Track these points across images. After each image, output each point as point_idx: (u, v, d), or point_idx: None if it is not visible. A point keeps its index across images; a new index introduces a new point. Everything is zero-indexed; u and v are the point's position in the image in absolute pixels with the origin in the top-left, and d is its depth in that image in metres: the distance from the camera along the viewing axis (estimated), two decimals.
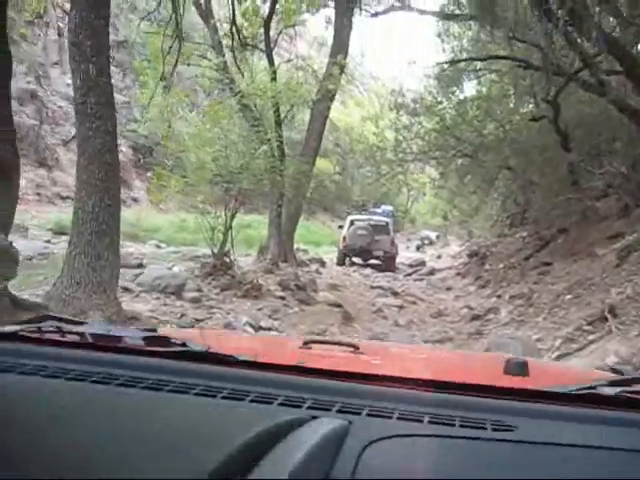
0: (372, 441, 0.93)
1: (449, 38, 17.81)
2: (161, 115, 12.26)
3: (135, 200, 26.56)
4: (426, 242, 34.48)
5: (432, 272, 19.05)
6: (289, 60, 14.90)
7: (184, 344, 1.35)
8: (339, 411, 1.05)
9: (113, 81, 7.30)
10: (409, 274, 18.80)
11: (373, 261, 20.26)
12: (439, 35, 17.74)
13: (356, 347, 1.69)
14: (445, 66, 16.84)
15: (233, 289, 9.60)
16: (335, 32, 14.79)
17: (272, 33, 14.43)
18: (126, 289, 8.55)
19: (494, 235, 21.75)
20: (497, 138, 16.27)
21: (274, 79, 11.90)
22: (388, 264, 19.78)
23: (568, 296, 9.81)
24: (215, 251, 10.28)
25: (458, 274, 17.89)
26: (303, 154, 14.08)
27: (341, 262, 19.94)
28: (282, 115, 12.78)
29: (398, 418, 1.04)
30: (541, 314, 9.74)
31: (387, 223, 20.95)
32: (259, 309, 9.15)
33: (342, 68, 13.20)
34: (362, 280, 15.96)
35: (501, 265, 15.32)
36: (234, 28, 13.85)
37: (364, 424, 1.00)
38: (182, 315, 7.85)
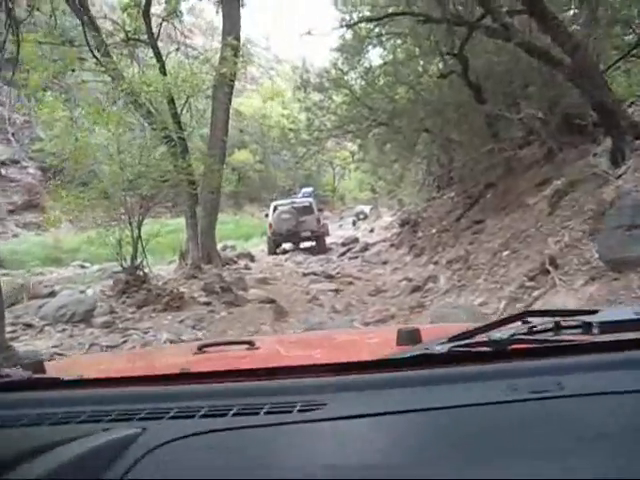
0: (160, 444, 0.93)
1: (347, 8, 17.12)
2: (67, 130, 11.19)
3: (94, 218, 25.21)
4: (361, 217, 34.26)
5: (366, 248, 18.61)
6: (177, 49, 13.87)
7: (7, 375, 1.32)
8: (172, 417, 1.04)
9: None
10: (343, 253, 18.32)
11: (305, 244, 20.58)
12: (335, 4, 17.06)
13: (251, 344, 1.75)
14: (347, 37, 16.30)
15: (151, 304, 8.76)
16: (224, 14, 13.84)
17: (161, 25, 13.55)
18: (28, 325, 7.70)
19: (423, 200, 21.36)
20: (409, 101, 15.79)
21: (163, 72, 11.01)
22: (319, 243, 20.29)
23: (505, 252, 9.44)
24: (125, 266, 9.40)
25: (392, 245, 17.47)
26: (210, 147, 13.23)
27: (272, 250, 20.13)
28: (181, 109, 11.91)
29: (202, 416, 1.03)
30: (481, 276, 9.36)
31: (310, 203, 21.16)
32: (181, 321, 8.34)
33: (235, 50, 12.34)
34: (294, 268, 15.33)
35: (433, 230, 14.95)
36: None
37: (162, 428, 1.00)
38: (92, 345, 7.00)
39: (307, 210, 20.59)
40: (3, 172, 26.25)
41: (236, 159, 38.71)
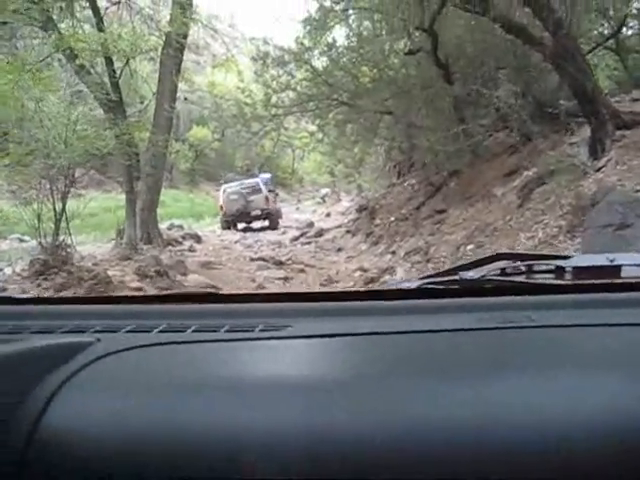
0: (112, 352, 0.91)
1: None
2: (11, 94, 9.96)
3: (13, 192, 24.00)
4: (327, 199, 33.62)
5: (321, 233, 17.89)
6: (117, 2, 12.57)
7: None
8: (129, 332, 1.02)
9: None
10: (296, 238, 17.48)
11: (258, 224, 21.83)
12: None
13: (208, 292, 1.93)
14: (312, 12, 15.35)
15: (71, 288, 7.66)
16: None
17: None
18: None
19: (383, 187, 20.72)
20: (373, 80, 14.93)
21: (100, 28, 9.86)
22: (271, 220, 21.63)
23: (470, 246, 8.72)
24: (44, 244, 8.31)
25: (348, 232, 16.74)
26: (156, 117, 12.12)
27: (225, 227, 21.42)
28: (121, 71, 10.76)
29: (160, 331, 1.02)
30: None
31: (257, 183, 22.41)
32: None
33: (185, 9, 11.18)
34: (243, 252, 14.36)
35: (392, 218, 14.23)
36: None
37: (117, 339, 0.97)
38: None
39: (255, 190, 21.70)
40: None
41: (194, 136, 37.73)
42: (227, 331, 0.99)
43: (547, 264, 1.35)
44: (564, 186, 7.50)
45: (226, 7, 64.16)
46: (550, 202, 7.65)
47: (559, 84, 11.03)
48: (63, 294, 7.69)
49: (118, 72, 11.13)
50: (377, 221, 15.27)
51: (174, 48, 11.54)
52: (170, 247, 12.82)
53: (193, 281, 9.51)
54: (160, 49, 11.73)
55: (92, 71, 10.32)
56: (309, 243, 16.19)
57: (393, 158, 20.72)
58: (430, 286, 1.19)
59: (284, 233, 19.41)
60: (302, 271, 11.65)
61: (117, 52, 9.78)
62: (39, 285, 7.76)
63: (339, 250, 14.52)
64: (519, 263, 1.40)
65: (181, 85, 15.41)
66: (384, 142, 19.13)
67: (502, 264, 1.41)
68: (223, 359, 0.93)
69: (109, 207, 17.76)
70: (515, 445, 0.71)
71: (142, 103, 11.61)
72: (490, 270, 1.32)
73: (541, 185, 8.42)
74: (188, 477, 0.74)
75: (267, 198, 21.76)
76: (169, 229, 17.43)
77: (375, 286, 9.25)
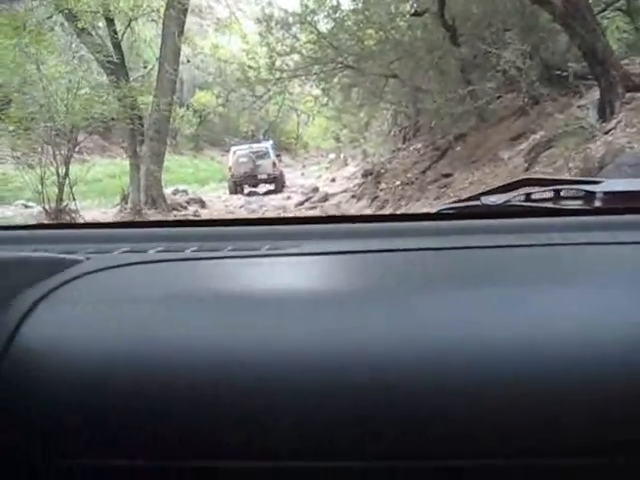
0: (101, 269, 0.84)
1: None
2: (12, 58, 9.82)
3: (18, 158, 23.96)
4: (331, 164, 33.16)
5: (326, 198, 17.64)
6: None
7: None
8: (122, 252, 0.94)
9: None
10: (301, 203, 17.32)
11: (264, 187, 22.31)
12: None
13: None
14: None
15: None
16: None
17: None
18: None
19: (388, 151, 20.39)
20: (379, 42, 14.69)
21: None
22: (276, 184, 22.09)
23: None
24: (48, 209, 8.28)
25: (353, 197, 16.54)
26: (159, 80, 11.96)
27: (232, 191, 21.79)
28: (123, 33, 10.59)
29: (157, 251, 0.94)
30: None
31: (266, 148, 23.20)
32: None
33: None
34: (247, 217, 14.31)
35: (397, 182, 14.08)
36: None
37: (109, 258, 0.90)
38: None
39: (264, 155, 22.50)
40: None
41: (198, 101, 37.38)
42: (231, 250, 0.93)
43: (576, 189, 1.29)
44: (572, 149, 7.41)
45: None
46: (558, 165, 7.56)
47: (568, 46, 10.85)
48: None
49: (120, 34, 10.99)
50: (382, 185, 15.13)
51: (176, 9, 11.35)
52: (175, 212, 12.78)
53: None
54: (162, 11, 11.53)
55: (94, 33, 10.16)
56: (314, 208, 16.01)
57: (399, 122, 20.63)
58: (449, 211, 1.15)
59: (289, 198, 19.23)
60: None
61: (118, 13, 9.63)
62: None
63: None
64: (546, 189, 1.33)
65: (185, 49, 15.22)
66: (390, 106, 18.94)
67: (528, 190, 1.34)
68: (228, 274, 0.88)
69: (114, 173, 17.71)
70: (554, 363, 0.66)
71: (145, 67, 11.40)
72: (515, 196, 1.27)
73: (549, 148, 8.33)
74: (180, 401, 0.67)
75: (274, 164, 22.49)
76: (174, 194, 17.34)
77: None
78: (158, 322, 0.73)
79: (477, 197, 1.27)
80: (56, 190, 8.65)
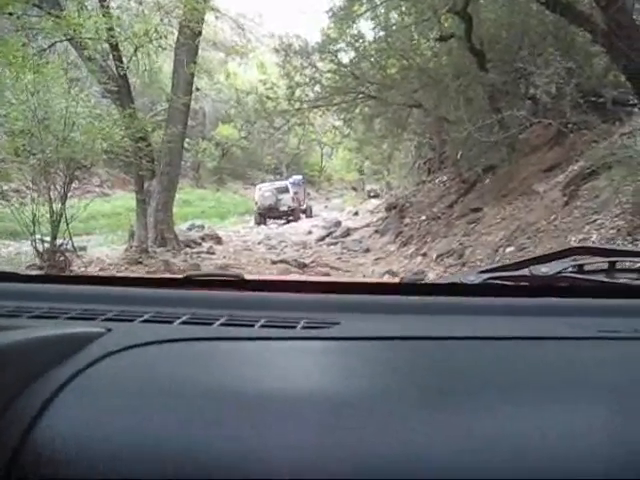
0: (126, 347, 0.80)
1: None
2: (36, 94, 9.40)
3: (18, 191, 23.75)
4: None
5: (348, 233, 17.10)
6: None
7: None
8: (145, 321, 0.92)
9: None
10: (322, 238, 16.76)
11: (284, 220, 25.26)
12: None
13: (239, 277, 1.44)
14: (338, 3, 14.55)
15: None
16: None
17: None
18: None
19: (412, 184, 20.04)
20: (402, 69, 14.08)
21: (107, 13, 9.13)
22: (294, 215, 25.83)
23: (510, 248, 7.88)
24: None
25: (376, 232, 15.94)
26: (170, 111, 11.41)
27: (258, 221, 25.11)
28: (129, 61, 10.03)
29: (183, 322, 0.90)
30: None
31: (286, 185, 27.07)
32: None
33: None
34: (265, 253, 13.63)
35: (423, 217, 13.45)
36: None
37: (131, 331, 0.87)
38: None
39: (284, 190, 26.50)
40: None
41: (220, 134, 37.27)
42: (263, 326, 0.87)
43: (633, 261, 1.24)
44: (619, 181, 6.60)
45: (254, 5, 63.77)
46: (603, 199, 6.77)
47: (605, 70, 10.14)
48: None
49: (132, 63, 10.48)
50: (407, 220, 14.52)
51: (187, 37, 10.82)
52: (188, 249, 12.16)
53: None
54: (175, 40, 11.01)
55: (102, 64, 9.64)
56: (335, 243, 15.43)
57: (423, 154, 20.13)
58: (497, 281, 1.05)
59: (310, 233, 18.76)
60: (326, 274, 10.91)
61: (125, 40, 9.11)
62: None
63: (366, 251, 13.77)
64: (599, 259, 1.26)
65: (205, 83, 14.78)
66: (413, 137, 18.44)
67: (578, 260, 1.26)
68: (257, 363, 0.79)
69: (132, 207, 17.44)
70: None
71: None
72: (565, 266, 1.16)
73: (590, 181, 7.54)
74: None
75: (294, 198, 26.49)
76: (189, 229, 16.86)
77: None
78: (183, 421, 0.67)
79: (524, 264, 1.17)
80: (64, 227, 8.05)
